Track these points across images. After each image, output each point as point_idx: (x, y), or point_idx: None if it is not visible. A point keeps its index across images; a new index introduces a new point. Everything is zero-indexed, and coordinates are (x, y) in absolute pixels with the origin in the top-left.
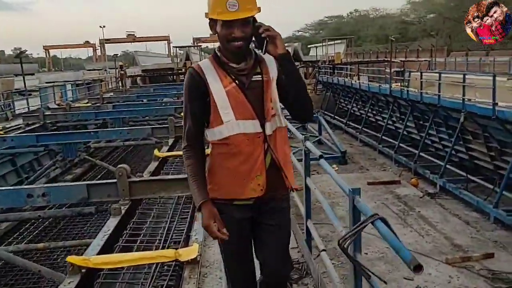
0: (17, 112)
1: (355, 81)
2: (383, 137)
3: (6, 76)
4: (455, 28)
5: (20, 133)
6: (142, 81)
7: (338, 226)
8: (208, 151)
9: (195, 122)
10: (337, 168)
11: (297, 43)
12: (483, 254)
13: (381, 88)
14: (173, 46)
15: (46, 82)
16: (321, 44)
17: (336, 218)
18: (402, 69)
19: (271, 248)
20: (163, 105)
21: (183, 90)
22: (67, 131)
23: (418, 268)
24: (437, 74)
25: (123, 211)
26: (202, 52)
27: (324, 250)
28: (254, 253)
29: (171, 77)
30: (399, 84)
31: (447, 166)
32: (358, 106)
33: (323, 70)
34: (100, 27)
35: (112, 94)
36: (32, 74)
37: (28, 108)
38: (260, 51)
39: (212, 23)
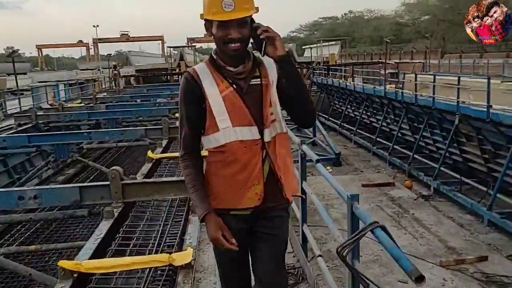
0: (9, 112)
1: (350, 83)
2: (377, 139)
3: None
4: (449, 30)
5: (11, 133)
6: (135, 81)
7: (335, 230)
8: (204, 152)
9: (191, 127)
10: (331, 170)
11: (291, 44)
12: (477, 257)
13: (376, 90)
14: (167, 46)
15: (39, 82)
16: (315, 45)
17: (333, 223)
18: (397, 71)
19: (268, 259)
20: (157, 106)
21: (178, 92)
22: (60, 132)
23: (419, 279)
24: (432, 76)
25: (116, 214)
26: (196, 52)
27: (320, 255)
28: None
29: (165, 77)
30: (394, 86)
31: (441, 168)
32: (353, 108)
33: (317, 71)
34: (94, 26)
35: (105, 94)
36: (25, 74)
37: (20, 108)
38: (259, 53)
39: (208, 24)
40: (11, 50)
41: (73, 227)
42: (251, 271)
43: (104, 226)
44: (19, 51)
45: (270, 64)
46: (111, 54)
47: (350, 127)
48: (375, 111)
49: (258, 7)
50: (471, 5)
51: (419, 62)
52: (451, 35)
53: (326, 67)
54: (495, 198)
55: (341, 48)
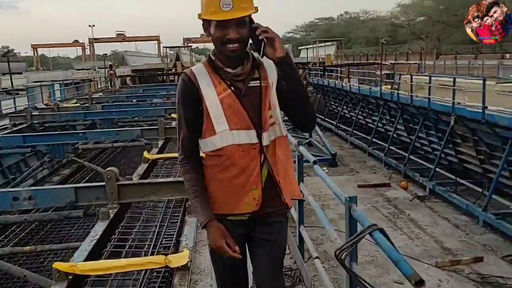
0: (3, 112)
1: (346, 83)
2: (373, 139)
3: None
4: (444, 31)
5: (6, 133)
6: (131, 81)
7: (332, 232)
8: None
9: (190, 129)
10: (327, 171)
11: (287, 44)
12: (472, 258)
13: (372, 91)
14: (163, 46)
15: (34, 82)
16: (311, 45)
17: (330, 225)
18: (392, 71)
19: (265, 265)
20: (153, 106)
21: (174, 93)
22: (55, 132)
23: (419, 283)
24: (427, 77)
25: (111, 215)
26: (193, 53)
27: (317, 257)
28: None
29: (161, 77)
30: (389, 86)
31: (437, 169)
32: (348, 109)
33: (313, 72)
34: (90, 26)
35: (101, 94)
36: (20, 73)
37: (15, 108)
38: (258, 54)
39: (206, 24)
40: (6, 50)
41: (69, 228)
42: (249, 276)
43: (99, 227)
44: (14, 51)
45: (270, 66)
46: (107, 54)
47: (346, 128)
48: (371, 112)
49: (257, 7)
50: (466, 7)
51: (414, 63)
52: (446, 36)
53: (322, 67)
54: (490, 199)
55: (337, 49)
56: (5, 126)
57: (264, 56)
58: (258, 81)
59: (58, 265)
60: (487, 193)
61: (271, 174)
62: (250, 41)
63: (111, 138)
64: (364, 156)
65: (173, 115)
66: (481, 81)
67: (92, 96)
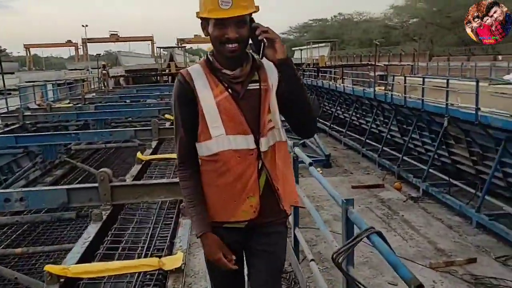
0: None
1: (339, 85)
2: (367, 140)
3: None
4: (437, 33)
5: None
6: (125, 81)
7: (328, 234)
8: None
9: (187, 131)
10: (321, 172)
11: None
12: (466, 259)
13: (365, 92)
14: (157, 47)
15: (26, 82)
16: (305, 47)
17: (325, 226)
18: (386, 73)
19: (263, 275)
20: (147, 107)
21: (168, 93)
22: (47, 132)
23: None
24: (421, 79)
25: (104, 217)
26: (186, 53)
27: (312, 260)
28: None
29: (155, 78)
30: (383, 88)
31: (430, 170)
32: (342, 110)
33: (307, 73)
34: (83, 26)
35: (94, 94)
36: (12, 73)
37: (7, 108)
38: (258, 55)
39: (204, 23)
40: None
41: (61, 230)
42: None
43: (92, 229)
44: (7, 51)
45: (270, 67)
46: (100, 54)
47: (340, 129)
48: (364, 113)
49: (258, 6)
50: (459, 9)
51: (407, 65)
52: (439, 38)
53: (316, 69)
54: (483, 200)
55: (331, 50)
56: None
57: (264, 57)
58: (258, 84)
59: (50, 267)
60: (480, 194)
61: (270, 181)
62: (250, 42)
63: (104, 138)
64: (358, 157)
65: (167, 116)
66: (474, 83)
67: (85, 97)
